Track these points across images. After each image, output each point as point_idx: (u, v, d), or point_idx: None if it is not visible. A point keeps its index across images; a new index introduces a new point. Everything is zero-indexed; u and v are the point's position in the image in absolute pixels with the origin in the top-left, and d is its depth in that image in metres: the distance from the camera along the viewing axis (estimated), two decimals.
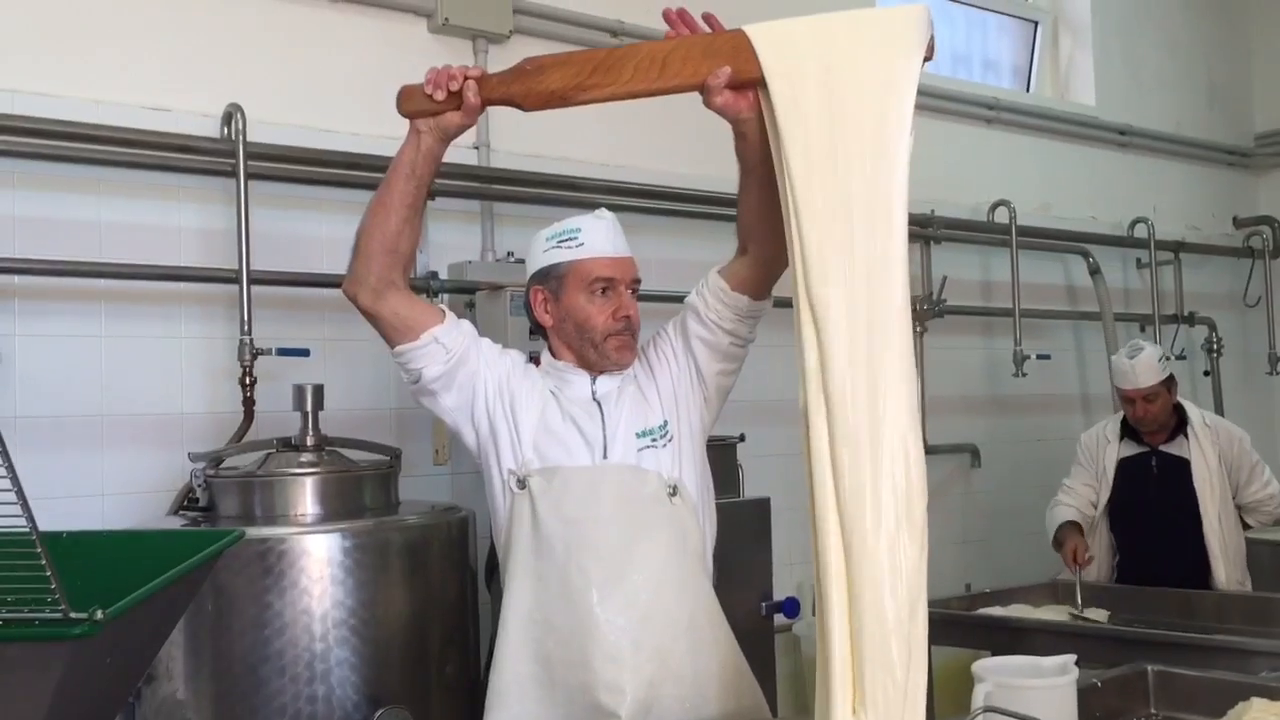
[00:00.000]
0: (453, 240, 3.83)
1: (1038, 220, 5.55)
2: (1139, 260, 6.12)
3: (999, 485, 5.25)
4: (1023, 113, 5.70)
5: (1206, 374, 6.28)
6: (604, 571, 2.21)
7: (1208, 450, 4.21)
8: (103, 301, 3.27)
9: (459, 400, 2.32)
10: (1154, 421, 4.24)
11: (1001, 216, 5.30)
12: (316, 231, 3.62)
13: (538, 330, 2.45)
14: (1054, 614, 3.69)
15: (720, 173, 4.45)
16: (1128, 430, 4.34)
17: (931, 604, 4.03)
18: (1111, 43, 6.19)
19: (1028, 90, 6.12)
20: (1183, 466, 4.22)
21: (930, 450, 5.05)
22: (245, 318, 3.29)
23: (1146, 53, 6.36)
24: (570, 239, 2.31)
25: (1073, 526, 4.23)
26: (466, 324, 2.33)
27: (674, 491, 2.28)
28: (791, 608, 3.84)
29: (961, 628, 3.62)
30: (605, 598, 2.19)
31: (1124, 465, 4.31)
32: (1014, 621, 3.54)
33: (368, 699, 2.80)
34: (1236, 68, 6.87)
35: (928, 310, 4.92)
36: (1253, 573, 6.07)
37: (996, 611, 3.70)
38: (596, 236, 2.31)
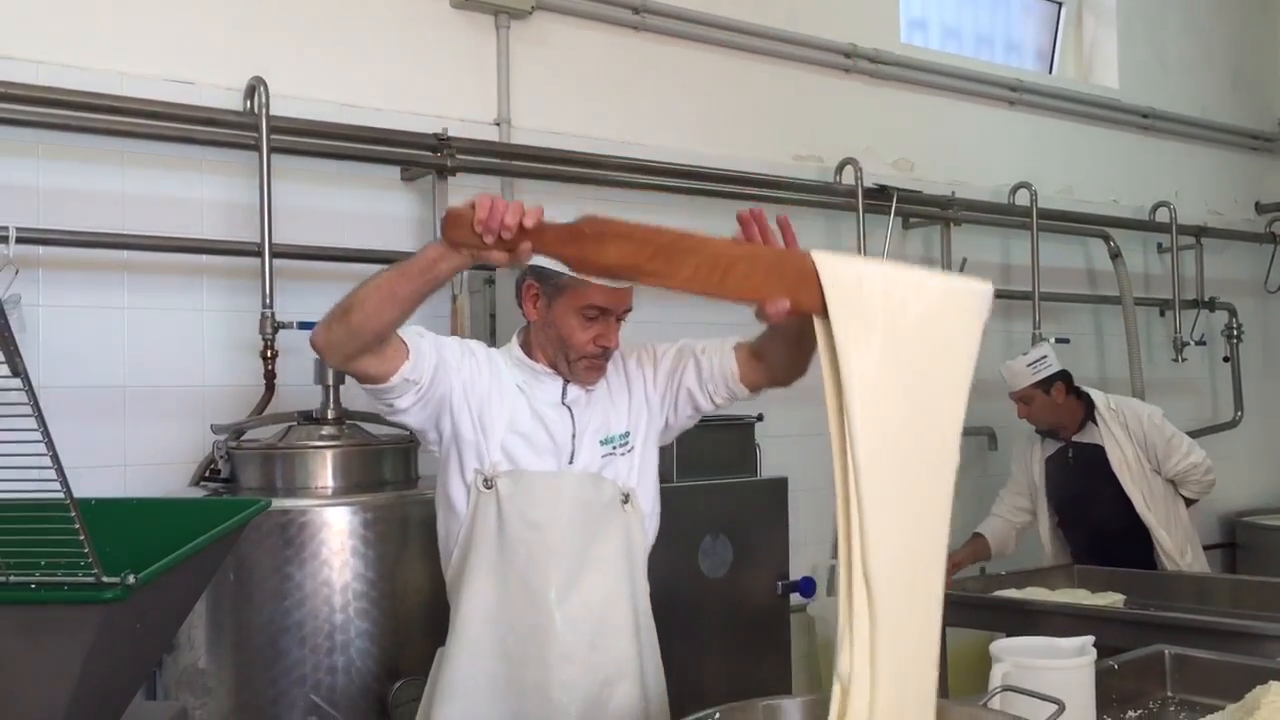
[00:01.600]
0: None
1: (1059, 203, 5.53)
2: (1160, 245, 6.09)
3: None
4: (1045, 95, 5.66)
5: (1226, 360, 6.26)
6: (563, 574, 2.26)
7: (1117, 432, 4.30)
8: (125, 273, 3.29)
9: (425, 414, 2.29)
10: (1037, 421, 4.38)
11: (1023, 199, 5.28)
12: (339, 205, 3.63)
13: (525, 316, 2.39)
14: (1070, 597, 3.69)
15: (742, 153, 4.49)
16: (1043, 429, 4.44)
17: (948, 586, 4.06)
18: (1136, 25, 6.15)
19: (1051, 72, 6.08)
20: (1099, 453, 4.31)
21: None
22: (267, 291, 3.30)
23: (1171, 36, 6.31)
24: None
25: (976, 538, 4.42)
26: (426, 342, 2.25)
27: (626, 499, 2.34)
28: (808, 587, 3.84)
29: (978, 610, 3.62)
30: (563, 598, 2.25)
31: (1050, 463, 4.43)
32: (1030, 604, 3.54)
33: (387, 671, 2.83)
34: (1261, 52, 6.81)
35: None
36: (1243, 555, 6.12)
37: (1013, 594, 3.70)
38: None
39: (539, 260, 2.25)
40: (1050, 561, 4.39)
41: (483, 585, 2.28)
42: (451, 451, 2.32)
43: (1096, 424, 4.33)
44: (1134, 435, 4.31)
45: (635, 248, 1.65)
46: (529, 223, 1.74)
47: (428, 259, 1.95)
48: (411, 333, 2.21)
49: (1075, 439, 4.38)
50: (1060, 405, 4.33)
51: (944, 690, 3.57)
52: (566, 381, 2.34)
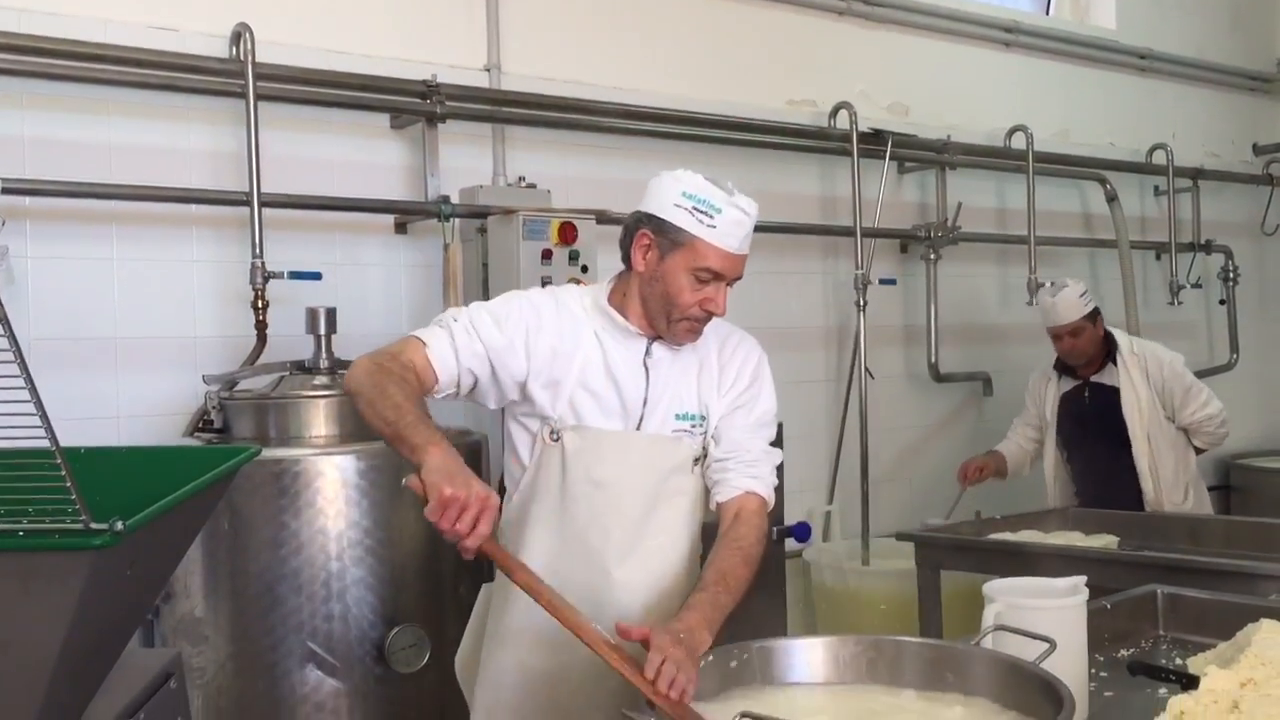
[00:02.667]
0: (464, 164, 3.80)
1: (1055, 146, 5.50)
2: (1156, 187, 6.07)
3: (1011, 413, 5.21)
4: (1042, 36, 5.61)
5: (1222, 302, 6.26)
6: (624, 535, 2.23)
7: (1136, 377, 4.28)
8: (114, 224, 3.26)
9: (482, 398, 2.26)
10: (1081, 355, 4.33)
11: (1019, 142, 5.24)
12: (328, 153, 3.60)
13: (624, 261, 2.28)
14: (1064, 539, 3.71)
15: (735, 98, 4.44)
16: (1062, 366, 4.42)
17: (943, 530, 4.12)
18: None
19: (1047, 13, 6.02)
20: (1114, 394, 4.30)
21: (943, 379, 5.06)
22: (256, 241, 3.27)
23: None
24: (706, 212, 2.17)
25: (993, 452, 4.51)
26: (453, 358, 2.16)
27: (698, 460, 2.30)
28: (802, 532, 3.87)
29: (972, 553, 3.64)
30: (623, 559, 2.22)
31: (1064, 400, 4.43)
32: (1025, 546, 3.55)
33: (383, 618, 2.84)
34: None
35: (942, 237, 4.89)
36: (1237, 497, 6.15)
37: (1006, 537, 3.72)
38: (731, 227, 2.18)
39: (656, 209, 2.21)
40: (1052, 499, 4.40)
41: (541, 536, 2.24)
42: (515, 408, 2.26)
43: (1116, 365, 4.31)
44: (1152, 380, 4.28)
45: (537, 595, 1.89)
46: (470, 544, 1.82)
47: (411, 451, 1.94)
48: (438, 350, 2.15)
49: (1094, 379, 4.35)
50: (1102, 338, 4.32)
51: (938, 632, 3.61)
52: (652, 341, 2.27)
